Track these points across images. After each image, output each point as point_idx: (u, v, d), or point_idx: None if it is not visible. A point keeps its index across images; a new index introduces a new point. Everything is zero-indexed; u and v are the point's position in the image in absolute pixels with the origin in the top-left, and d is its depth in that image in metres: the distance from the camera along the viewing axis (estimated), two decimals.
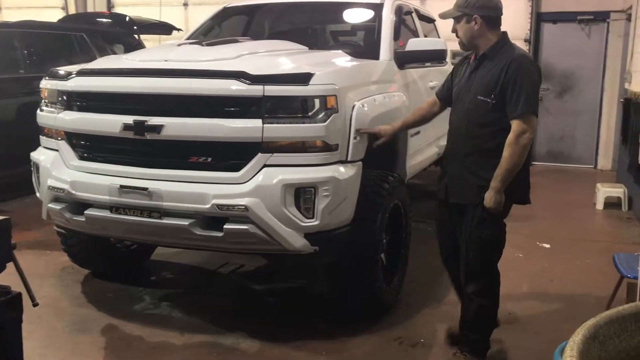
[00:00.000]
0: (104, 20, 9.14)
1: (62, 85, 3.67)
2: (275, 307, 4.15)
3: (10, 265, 2.37)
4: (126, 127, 3.35)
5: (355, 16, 5.14)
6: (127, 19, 8.84)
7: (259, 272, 4.71)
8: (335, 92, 3.27)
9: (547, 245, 5.47)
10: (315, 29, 5.42)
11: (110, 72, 3.66)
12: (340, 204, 3.33)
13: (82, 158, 3.64)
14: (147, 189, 3.30)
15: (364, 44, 5.03)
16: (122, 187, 3.36)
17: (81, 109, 3.63)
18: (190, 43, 4.12)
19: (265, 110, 3.18)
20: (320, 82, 3.23)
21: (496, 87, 2.97)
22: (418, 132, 4.75)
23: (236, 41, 4.07)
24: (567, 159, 9.58)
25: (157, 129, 3.28)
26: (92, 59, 5.59)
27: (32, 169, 3.92)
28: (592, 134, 9.50)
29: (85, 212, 3.49)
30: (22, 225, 5.58)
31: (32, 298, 2.46)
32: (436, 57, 4.60)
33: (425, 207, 6.85)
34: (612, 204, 6.93)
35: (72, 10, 11.24)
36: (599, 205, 6.93)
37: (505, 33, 3.12)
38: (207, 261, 4.86)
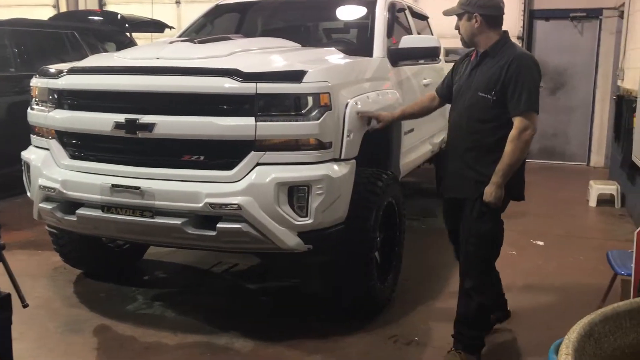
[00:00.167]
0: (96, 18, 9.08)
1: (52, 84, 3.63)
2: (268, 306, 4.13)
3: None
4: (118, 125, 3.32)
5: (348, 13, 5.12)
6: (119, 16, 8.79)
7: (252, 271, 4.69)
8: (329, 90, 3.25)
9: (541, 243, 5.48)
10: (308, 26, 5.40)
11: (101, 70, 3.63)
12: (334, 202, 3.31)
13: (73, 157, 3.61)
14: (139, 187, 3.27)
15: (357, 41, 5.02)
16: (113, 186, 3.33)
17: (72, 107, 3.60)
18: (182, 41, 4.09)
19: (258, 108, 3.16)
20: (314, 80, 3.21)
21: (497, 85, 3.02)
22: (412, 130, 4.74)
23: (228, 39, 4.04)
24: (560, 156, 9.60)
25: (149, 127, 3.25)
26: (83, 57, 5.54)
27: (22, 168, 3.88)
28: (584, 131, 9.53)
29: (77, 211, 3.46)
30: (14, 225, 5.54)
31: (22, 299, 2.44)
32: (429, 54, 4.59)
33: (419, 204, 6.86)
34: (605, 200, 6.95)
35: (63, 8, 11.16)
36: (592, 202, 6.95)
37: (506, 32, 3.16)
38: (200, 260, 4.83)
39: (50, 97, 3.65)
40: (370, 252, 3.64)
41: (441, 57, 5.95)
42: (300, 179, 3.19)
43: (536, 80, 3.04)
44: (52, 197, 3.56)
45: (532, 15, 9.44)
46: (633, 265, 3.19)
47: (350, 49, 4.35)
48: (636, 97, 6.08)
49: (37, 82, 3.77)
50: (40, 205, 3.62)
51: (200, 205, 3.16)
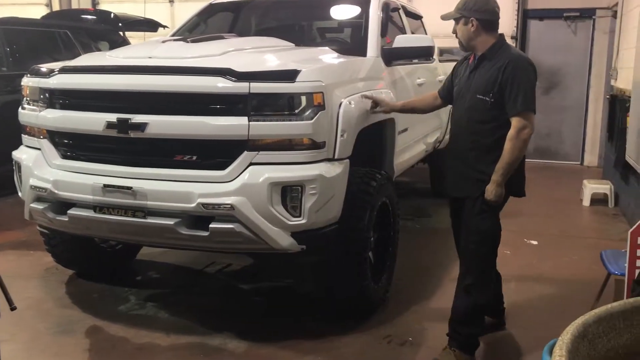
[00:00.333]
0: (89, 17, 9.03)
1: (44, 83, 3.60)
2: (262, 306, 4.11)
3: None
4: (109, 125, 3.29)
5: (342, 13, 5.10)
6: (112, 15, 8.76)
7: (246, 271, 4.67)
8: (322, 89, 3.24)
9: (535, 242, 5.49)
10: (302, 26, 5.37)
11: (93, 69, 3.60)
12: (328, 202, 3.30)
13: (64, 157, 3.58)
14: (131, 188, 3.25)
15: (351, 40, 5.00)
16: (105, 186, 3.30)
17: (64, 106, 3.57)
18: (174, 40, 4.07)
19: (251, 108, 3.14)
20: (307, 79, 3.20)
21: (494, 87, 3.09)
22: (406, 129, 4.73)
23: (222, 38, 4.03)
24: (554, 155, 9.62)
25: (141, 127, 3.23)
26: (76, 56, 5.51)
27: (14, 168, 3.85)
28: (578, 131, 9.56)
29: (68, 211, 3.43)
30: (5, 225, 5.51)
31: (10, 301, 2.41)
32: (423, 53, 4.58)
33: (413, 204, 6.85)
34: (598, 200, 6.97)
35: (56, 7, 11.10)
36: (586, 202, 6.96)
37: (502, 35, 3.24)
38: (193, 261, 4.81)
39: (42, 96, 3.62)
40: (364, 252, 3.63)
41: (435, 56, 5.95)
42: (294, 179, 3.17)
43: (532, 80, 3.11)
44: (44, 197, 3.53)
45: (526, 15, 9.46)
46: (626, 265, 3.19)
47: (344, 49, 4.34)
48: (629, 97, 6.09)
49: (28, 82, 3.74)
50: (32, 205, 3.60)
51: (193, 205, 3.14)
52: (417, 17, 6.18)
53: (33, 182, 3.55)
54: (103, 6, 11.03)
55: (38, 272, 4.62)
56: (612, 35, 8.51)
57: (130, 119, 3.24)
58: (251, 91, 3.13)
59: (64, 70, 3.59)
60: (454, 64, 7.30)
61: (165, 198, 3.20)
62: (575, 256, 5.13)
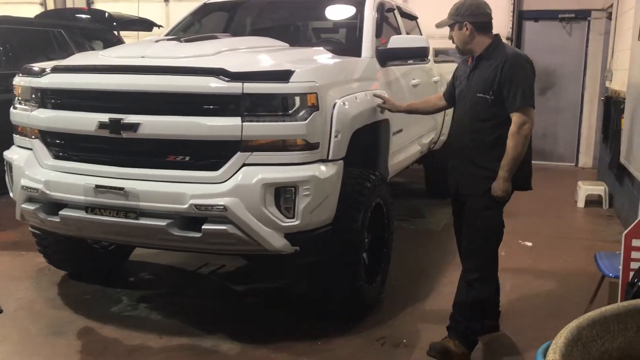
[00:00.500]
0: (83, 16, 8.99)
1: (36, 82, 3.57)
2: (256, 308, 4.08)
3: None
4: (102, 125, 3.27)
5: (337, 13, 5.08)
6: (107, 15, 8.71)
7: (239, 272, 4.64)
8: (316, 90, 3.22)
9: (530, 244, 5.48)
10: (297, 26, 5.35)
11: (85, 68, 3.57)
12: (321, 203, 3.28)
13: (56, 157, 3.55)
14: (123, 188, 3.22)
15: (346, 41, 4.98)
16: (97, 186, 3.28)
17: (56, 106, 3.54)
18: (168, 39, 4.04)
19: (244, 108, 3.12)
20: (301, 80, 3.18)
21: (493, 85, 3.16)
22: (400, 130, 4.72)
23: (215, 38, 4.00)
24: (549, 156, 9.63)
25: (134, 127, 3.20)
26: (70, 55, 5.47)
27: (5, 168, 3.82)
28: (573, 132, 9.57)
29: (60, 212, 3.41)
30: None
31: None
32: (418, 54, 4.57)
33: (408, 205, 6.84)
34: (593, 201, 6.97)
35: (50, 6, 11.04)
36: (580, 203, 6.97)
37: (497, 35, 3.33)
38: (186, 262, 4.78)
39: (34, 96, 3.59)
40: (358, 254, 3.61)
41: (430, 57, 5.94)
42: (287, 180, 3.16)
43: (529, 76, 3.18)
44: (35, 197, 3.50)
45: (521, 16, 9.47)
46: (621, 267, 3.19)
47: (339, 49, 4.32)
48: (624, 99, 6.10)
49: (20, 81, 3.71)
50: (23, 206, 3.57)
51: (186, 206, 3.12)
52: (413, 17, 6.16)
53: (24, 182, 3.52)
54: (98, 5, 10.97)
55: (30, 272, 4.58)
56: (607, 36, 8.53)
57: (122, 119, 3.21)
58: (244, 91, 3.11)
59: (55, 70, 3.56)
60: (449, 64, 7.36)
61: (158, 199, 3.17)
62: (570, 258, 5.13)
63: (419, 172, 7.24)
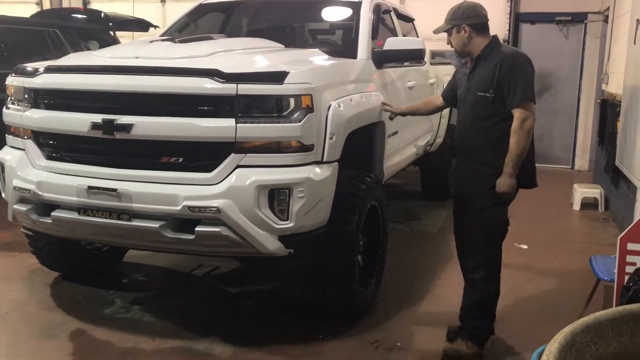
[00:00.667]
0: (79, 16, 8.95)
1: (28, 82, 3.55)
2: (250, 310, 4.06)
3: None
4: (94, 126, 3.24)
5: (333, 14, 5.07)
6: (102, 15, 8.68)
7: (233, 274, 4.62)
8: (311, 92, 3.20)
9: (525, 246, 5.47)
10: (293, 27, 5.34)
11: (78, 69, 3.54)
12: (316, 205, 3.26)
13: (49, 158, 3.53)
14: (116, 190, 3.20)
15: (342, 42, 4.97)
16: (90, 187, 3.25)
17: (48, 107, 3.51)
18: (162, 40, 4.01)
19: (238, 110, 3.10)
20: (296, 81, 3.16)
21: (493, 83, 3.22)
22: (396, 132, 4.70)
23: (210, 38, 3.98)
24: (545, 159, 9.61)
25: (127, 128, 3.18)
26: (65, 55, 5.44)
27: None
28: (569, 135, 9.57)
29: (52, 213, 3.38)
30: None
31: None
32: (414, 56, 4.56)
33: (404, 207, 6.83)
34: (588, 204, 6.97)
35: (47, 6, 11.00)
36: (576, 206, 6.97)
37: (495, 36, 3.38)
38: (180, 263, 4.75)
39: (26, 96, 3.56)
40: (353, 256, 3.59)
41: (427, 59, 5.93)
42: (281, 182, 3.14)
43: (528, 72, 3.23)
44: (27, 198, 3.48)
45: (518, 19, 9.46)
46: (616, 271, 3.17)
47: (335, 51, 4.31)
48: (620, 102, 6.09)
49: (12, 81, 3.68)
50: (15, 206, 3.54)
51: (179, 208, 3.09)
52: (409, 19, 6.15)
53: (17, 183, 3.49)
54: (94, 5, 10.93)
55: (23, 274, 4.55)
56: (603, 39, 8.53)
57: (115, 119, 3.19)
58: (239, 93, 3.09)
59: (49, 70, 3.53)
60: (445, 67, 7.34)
61: (151, 200, 3.15)
62: (565, 260, 5.12)
63: (415, 174, 7.22)
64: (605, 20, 8.40)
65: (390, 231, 4.23)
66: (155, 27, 9.13)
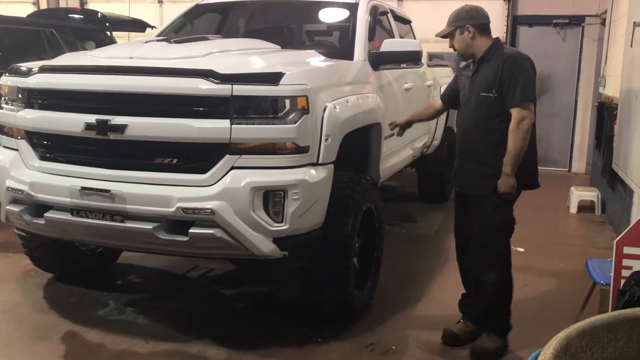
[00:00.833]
0: (76, 16, 8.92)
1: (22, 82, 3.52)
2: (244, 312, 4.03)
3: None
4: (88, 126, 3.22)
5: (330, 16, 5.06)
6: (99, 15, 8.64)
7: (228, 276, 4.59)
8: (307, 93, 3.18)
9: (521, 249, 5.44)
10: (290, 29, 5.32)
11: (72, 69, 3.51)
12: (311, 207, 3.24)
13: (42, 158, 3.50)
14: (109, 191, 3.17)
15: (339, 44, 4.95)
16: (83, 188, 3.23)
17: (42, 107, 3.48)
18: (157, 40, 3.99)
19: (233, 111, 3.08)
20: (291, 82, 3.14)
21: (495, 83, 3.27)
22: (392, 134, 4.68)
23: (206, 39, 3.96)
24: (542, 161, 9.51)
25: (121, 128, 3.15)
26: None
27: None
28: (566, 137, 9.57)
29: (45, 214, 3.35)
30: None
31: None
32: (411, 58, 4.55)
33: (400, 209, 6.81)
34: (585, 207, 6.96)
35: (43, 6, 10.97)
36: (573, 209, 6.96)
37: (498, 38, 3.45)
38: (175, 265, 4.73)
39: (20, 96, 3.54)
40: (348, 258, 3.57)
41: (423, 61, 5.92)
42: (276, 184, 3.12)
43: (529, 72, 3.27)
44: (20, 199, 3.45)
45: (515, 21, 9.47)
46: (612, 274, 3.16)
47: (331, 52, 4.30)
48: (617, 105, 6.09)
49: (6, 81, 3.65)
50: (8, 207, 3.51)
51: (172, 209, 3.07)
52: (406, 21, 6.14)
53: (10, 183, 3.46)
54: (91, 6, 10.90)
55: (16, 275, 4.52)
56: (600, 42, 8.53)
57: (109, 120, 3.17)
58: (234, 93, 3.06)
59: (43, 70, 3.51)
60: (442, 69, 7.33)
61: (144, 202, 3.13)
62: (562, 264, 5.11)
63: (411, 176, 7.21)
64: (603, 23, 8.41)
65: (386, 233, 4.21)
66: (153, 27, 9.11)
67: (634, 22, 5.24)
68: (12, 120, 3.56)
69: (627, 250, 3.15)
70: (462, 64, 3.73)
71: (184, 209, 3.05)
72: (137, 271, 4.70)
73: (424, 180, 7.09)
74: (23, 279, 4.45)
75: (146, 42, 3.91)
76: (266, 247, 3.14)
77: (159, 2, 10.74)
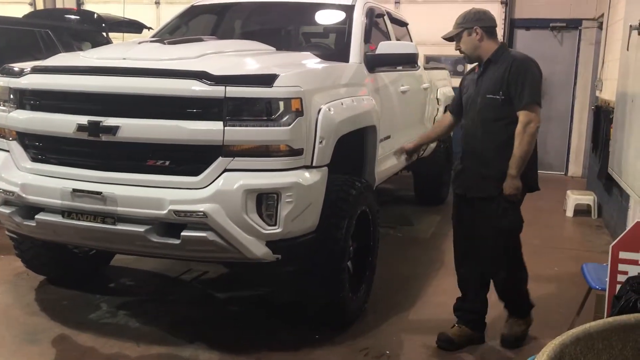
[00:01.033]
0: (72, 17, 8.88)
1: (14, 83, 3.49)
2: (238, 316, 4.00)
3: None
4: (80, 127, 3.18)
5: (326, 18, 5.03)
6: (96, 16, 8.61)
7: (222, 279, 4.56)
8: (301, 95, 3.16)
9: None
10: (286, 30, 5.30)
11: (65, 69, 3.48)
12: (304, 210, 3.21)
13: (34, 160, 3.47)
14: (101, 193, 3.14)
15: (334, 46, 4.93)
16: (74, 190, 3.19)
17: (34, 108, 3.45)
18: (151, 41, 3.96)
19: (227, 112, 3.05)
20: (285, 84, 3.12)
21: (502, 85, 3.30)
22: (388, 137, 4.67)
23: (200, 40, 3.93)
24: (539, 165, 9.52)
25: (113, 130, 3.12)
26: None
27: None
28: (563, 141, 9.56)
29: (36, 216, 3.32)
30: None
31: None
32: (407, 60, 4.52)
33: (396, 212, 6.79)
34: (581, 211, 6.95)
35: (40, 6, 10.94)
36: (569, 213, 6.94)
37: (504, 42, 3.50)
38: (169, 267, 4.69)
39: (12, 96, 3.50)
40: (342, 262, 3.54)
41: (420, 64, 5.90)
42: (270, 187, 3.09)
43: (536, 76, 3.32)
44: (11, 201, 3.42)
45: (512, 25, 9.46)
46: (607, 279, 3.14)
47: (327, 54, 4.27)
48: (614, 108, 6.08)
49: None
50: None
51: (164, 212, 3.03)
52: (403, 24, 6.12)
53: (0, 185, 3.43)
54: (88, 7, 10.87)
55: (8, 277, 4.48)
56: (597, 46, 8.53)
57: (101, 121, 3.14)
58: (227, 95, 3.04)
59: (35, 70, 3.47)
60: (439, 71, 7.30)
61: (136, 204, 3.09)
62: (557, 267, 5.09)
63: (408, 179, 7.18)
64: (600, 27, 8.41)
65: (382, 236, 4.19)
66: (149, 28, 9.06)
67: (630, 25, 5.23)
68: (4, 121, 3.53)
69: (622, 255, 3.12)
70: (469, 66, 3.75)
71: (176, 212, 3.02)
72: (130, 274, 4.66)
73: (420, 183, 7.07)
74: (14, 281, 4.41)
75: (140, 43, 3.88)
76: (259, 250, 3.11)
77: (155, 3, 10.73)
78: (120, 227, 3.13)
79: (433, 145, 6.52)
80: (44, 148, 3.45)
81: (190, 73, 3.12)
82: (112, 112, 3.17)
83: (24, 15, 8.90)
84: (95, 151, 3.25)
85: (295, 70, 3.41)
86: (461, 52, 3.48)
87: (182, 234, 3.04)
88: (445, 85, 6.93)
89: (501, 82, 3.30)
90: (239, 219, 3.04)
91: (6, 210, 3.43)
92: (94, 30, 8.58)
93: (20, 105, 3.48)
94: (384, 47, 4.36)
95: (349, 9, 4.65)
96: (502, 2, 9.09)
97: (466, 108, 3.54)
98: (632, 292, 2.75)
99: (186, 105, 3.11)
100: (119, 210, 3.12)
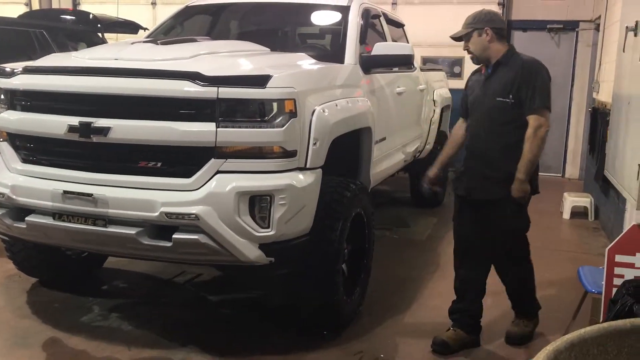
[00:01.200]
0: (68, 17, 8.84)
1: (5, 83, 3.45)
2: (230, 319, 3.96)
3: None
4: (71, 128, 3.15)
5: (321, 18, 5.00)
6: (91, 16, 8.58)
7: (216, 282, 4.52)
8: (294, 96, 3.13)
9: None
10: (281, 31, 5.26)
11: (56, 70, 3.44)
12: (298, 212, 3.18)
13: (25, 161, 3.43)
14: (92, 194, 3.10)
15: (329, 47, 4.89)
16: (65, 192, 3.16)
17: (25, 108, 3.42)
18: (144, 42, 3.93)
19: (219, 114, 3.02)
20: (279, 85, 3.09)
21: (513, 88, 3.30)
22: (384, 139, 4.64)
23: (194, 40, 3.89)
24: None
25: (104, 131, 3.09)
26: None
27: None
28: (560, 143, 9.53)
29: (27, 218, 3.28)
30: None
31: None
32: (403, 62, 4.49)
33: (392, 214, 6.76)
34: (578, 213, 6.92)
35: (36, 6, 10.90)
36: (566, 215, 6.92)
37: (512, 45, 3.51)
38: (162, 270, 4.65)
39: (2, 97, 3.47)
40: (336, 264, 3.51)
41: (417, 65, 5.87)
42: (263, 189, 3.05)
43: (546, 80, 3.33)
44: (1, 202, 3.37)
45: (510, 26, 9.42)
46: (604, 283, 3.11)
47: (322, 55, 4.24)
48: (610, 110, 6.06)
49: None
50: None
51: (156, 214, 3.00)
52: (399, 25, 6.10)
53: None
54: (84, 7, 10.84)
55: None
56: (594, 48, 8.51)
57: (92, 122, 3.10)
58: (220, 96, 3.00)
59: (26, 71, 3.44)
60: (436, 73, 7.27)
61: (127, 206, 3.06)
62: (554, 270, 5.05)
63: (404, 181, 7.16)
64: (597, 29, 8.39)
65: (377, 238, 4.16)
66: (145, 29, 9.03)
67: (626, 27, 5.21)
68: None
69: (619, 258, 3.10)
70: (467, 68, 3.74)
71: (168, 214, 2.98)
72: (123, 276, 4.62)
73: (416, 185, 7.03)
74: (6, 284, 4.37)
75: (132, 43, 3.85)
76: (252, 253, 3.08)
77: (152, 3, 10.70)
78: (112, 229, 3.09)
79: (429, 147, 6.51)
80: (34, 149, 3.42)
81: (182, 74, 3.09)
82: (104, 113, 3.14)
83: (19, 16, 8.85)
84: (86, 152, 3.22)
85: (288, 71, 3.37)
86: (469, 52, 3.46)
87: (174, 236, 3.01)
88: (441, 86, 6.91)
89: (511, 85, 3.29)
90: (231, 222, 3.00)
91: None
92: (90, 30, 8.54)
93: (11, 106, 3.44)
94: (380, 48, 4.33)
95: (344, 10, 4.63)
96: (499, 4, 9.06)
97: (472, 109, 3.52)
98: (628, 296, 2.73)
99: (178, 106, 3.07)
100: (110, 213, 3.08)
